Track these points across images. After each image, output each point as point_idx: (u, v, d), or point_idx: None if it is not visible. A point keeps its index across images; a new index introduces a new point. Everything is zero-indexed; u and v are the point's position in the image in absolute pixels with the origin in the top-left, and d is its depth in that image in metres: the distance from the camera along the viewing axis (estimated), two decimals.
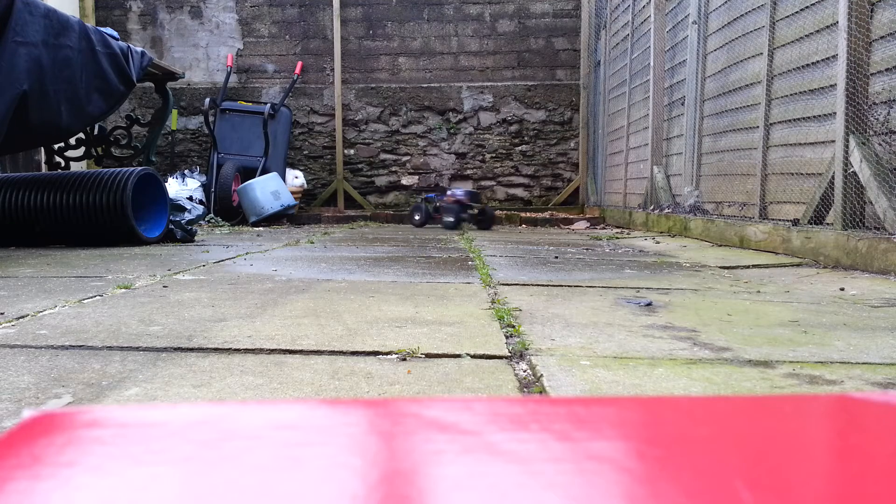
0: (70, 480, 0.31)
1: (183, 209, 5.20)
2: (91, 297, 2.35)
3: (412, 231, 7.14)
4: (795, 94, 4.22)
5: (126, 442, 0.36)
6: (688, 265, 3.68)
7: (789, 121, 4.31)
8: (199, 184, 8.41)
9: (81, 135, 6.19)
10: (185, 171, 8.68)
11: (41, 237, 4.65)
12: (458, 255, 4.18)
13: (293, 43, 9.98)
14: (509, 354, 1.56)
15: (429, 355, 1.54)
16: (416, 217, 7.92)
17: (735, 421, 0.41)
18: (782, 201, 4.39)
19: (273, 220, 8.12)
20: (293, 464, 0.33)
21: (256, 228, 7.50)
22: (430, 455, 0.34)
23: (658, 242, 5.25)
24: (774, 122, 4.50)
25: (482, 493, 0.30)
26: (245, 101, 9.40)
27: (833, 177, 3.55)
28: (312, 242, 5.18)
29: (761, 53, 4.63)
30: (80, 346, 1.62)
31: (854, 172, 3.37)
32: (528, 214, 9.27)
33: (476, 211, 7.30)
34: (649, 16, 6.87)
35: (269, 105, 9.05)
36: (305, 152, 10.08)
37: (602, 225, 8.21)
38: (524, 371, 1.43)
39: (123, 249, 4.31)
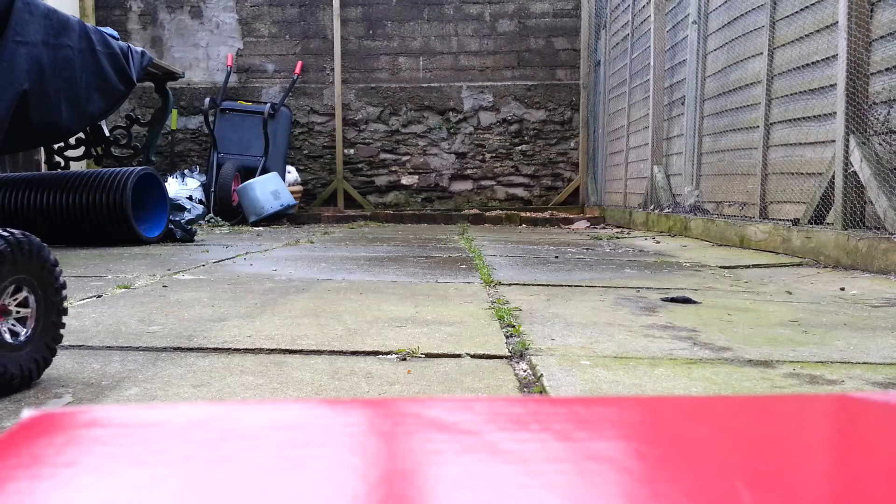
0: (70, 480, 0.31)
1: (183, 209, 5.20)
2: (91, 297, 2.35)
3: (412, 231, 7.14)
4: (795, 93, 4.22)
5: (126, 442, 0.36)
6: (688, 265, 3.68)
7: (789, 120, 4.31)
8: (199, 183, 8.41)
9: (81, 134, 6.18)
10: (185, 171, 8.68)
11: (41, 237, 4.65)
12: (458, 254, 4.18)
13: (293, 43, 9.98)
14: (509, 354, 1.56)
15: (429, 355, 1.54)
16: None
17: (735, 421, 0.41)
18: (782, 201, 4.39)
19: (273, 219, 8.12)
20: (293, 464, 0.33)
21: (256, 228, 7.50)
22: (430, 455, 0.34)
23: (658, 242, 5.25)
24: (774, 122, 4.50)
25: (482, 493, 0.30)
26: (245, 101, 9.40)
27: (833, 176, 3.55)
28: (312, 242, 5.18)
29: (761, 53, 4.63)
30: (80, 345, 1.62)
31: (854, 172, 3.37)
32: (528, 214, 9.27)
33: None
34: (649, 15, 6.87)
35: (268, 105, 9.04)
36: (305, 152, 10.08)
37: (602, 225, 8.21)
38: (524, 371, 1.43)
39: (123, 249, 4.31)
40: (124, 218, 4.52)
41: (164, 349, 1.59)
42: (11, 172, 6.29)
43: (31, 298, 1.26)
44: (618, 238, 5.92)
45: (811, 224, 3.81)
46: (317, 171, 10.11)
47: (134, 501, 0.29)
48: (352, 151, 10.09)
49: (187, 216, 5.17)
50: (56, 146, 6.33)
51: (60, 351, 1.57)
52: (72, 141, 6.18)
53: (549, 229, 7.96)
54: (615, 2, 8.52)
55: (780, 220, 4.34)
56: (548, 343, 1.66)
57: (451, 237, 6.00)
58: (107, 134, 6.34)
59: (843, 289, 2.71)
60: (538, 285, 2.76)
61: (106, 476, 0.32)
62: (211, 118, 8.90)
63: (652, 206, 6.68)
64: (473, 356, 1.53)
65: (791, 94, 4.28)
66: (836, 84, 3.56)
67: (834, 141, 3.57)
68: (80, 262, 3.56)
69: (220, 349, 1.58)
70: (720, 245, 4.77)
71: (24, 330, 1.24)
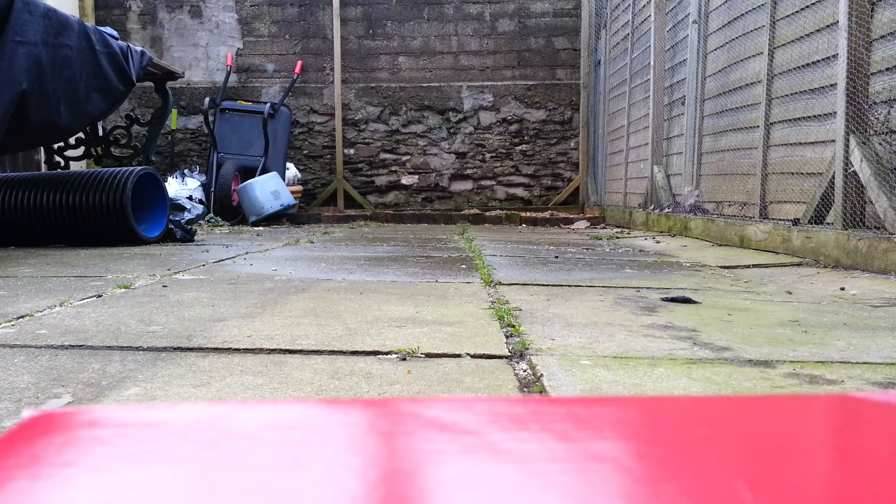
0: (70, 480, 0.31)
1: (183, 209, 5.20)
2: (91, 297, 2.35)
3: (412, 231, 7.14)
4: (796, 93, 4.22)
5: (126, 442, 0.36)
6: (688, 265, 3.68)
7: (789, 120, 4.31)
8: (199, 183, 8.41)
9: (81, 134, 6.18)
10: (185, 171, 8.68)
11: (41, 237, 4.65)
12: (458, 254, 4.18)
13: (293, 42, 9.98)
14: (509, 354, 1.56)
15: (429, 355, 1.54)
16: None
17: (735, 421, 0.41)
18: (782, 201, 4.39)
19: (273, 219, 8.12)
20: (293, 464, 0.33)
21: (256, 228, 7.50)
22: (430, 455, 0.34)
23: (658, 242, 5.25)
24: (775, 122, 4.50)
25: (482, 493, 0.30)
26: (245, 101, 9.40)
27: (833, 176, 3.55)
28: (312, 242, 5.18)
29: (761, 53, 4.63)
30: (80, 345, 1.62)
31: (854, 172, 3.37)
32: (529, 214, 9.27)
33: None
34: (649, 15, 6.87)
35: (268, 104, 9.04)
36: (305, 152, 10.08)
37: (602, 224, 8.21)
38: (524, 371, 1.43)
39: (123, 249, 4.31)
40: (124, 218, 4.52)
41: (164, 349, 1.59)
42: (11, 172, 6.28)
43: None
44: (618, 238, 5.92)
45: (811, 224, 3.81)
46: (317, 171, 10.11)
47: (134, 501, 0.29)
48: (352, 151, 10.09)
49: (187, 216, 5.17)
50: (56, 146, 6.33)
51: (60, 351, 1.57)
52: (72, 141, 6.18)
53: (549, 229, 7.96)
54: (615, 1, 8.52)
55: (780, 220, 4.34)
56: (548, 343, 1.66)
57: (451, 237, 6.00)
58: (100, 134, 6.34)
59: (843, 289, 2.71)
60: (538, 285, 2.76)
61: (106, 476, 0.32)
62: (211, 118, 8.90)
63: (652, 206, 6.68)
64: (473, 356, 1.53)
65: (791, 94, 4.28)
66: (836, 84, 3.56)
67: (834, 141, 3.57)
68: (80, 262, 3.56)
69: (220, 349, 1.58)
70: (720, 245, 4.77)
71: None
